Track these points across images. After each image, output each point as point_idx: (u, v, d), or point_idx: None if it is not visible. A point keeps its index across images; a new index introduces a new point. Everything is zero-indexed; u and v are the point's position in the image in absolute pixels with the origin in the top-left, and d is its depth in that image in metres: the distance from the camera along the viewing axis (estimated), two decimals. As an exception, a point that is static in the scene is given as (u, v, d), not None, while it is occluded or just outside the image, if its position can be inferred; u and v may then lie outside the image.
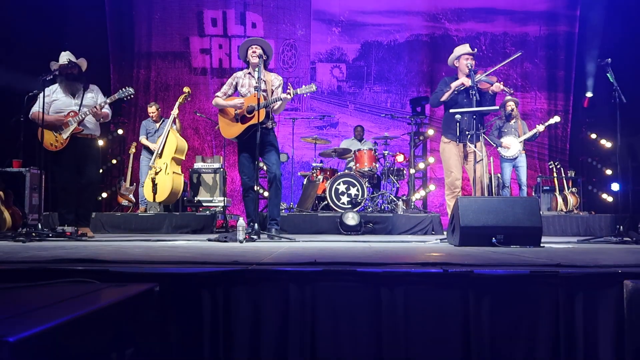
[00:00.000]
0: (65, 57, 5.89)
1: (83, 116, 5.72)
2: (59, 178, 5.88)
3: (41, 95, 5.65)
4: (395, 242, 5.45)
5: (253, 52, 5.72)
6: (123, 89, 5.91)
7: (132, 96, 5.98)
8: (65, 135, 5.73)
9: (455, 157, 5.94)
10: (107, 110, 5.93)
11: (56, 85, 5.89)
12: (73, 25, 9.97)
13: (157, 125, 8.57)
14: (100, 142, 6.08)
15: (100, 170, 6.22)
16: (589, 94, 9.70)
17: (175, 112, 7.76)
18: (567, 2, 11.24)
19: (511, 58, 6.27)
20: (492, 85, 5.74)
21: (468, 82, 5.74)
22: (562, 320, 2.40)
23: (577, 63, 11.02)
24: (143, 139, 8.48)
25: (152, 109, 8.60)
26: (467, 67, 5.81)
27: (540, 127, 8.42)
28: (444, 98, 5.94)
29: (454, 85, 5.86)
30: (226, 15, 11.33)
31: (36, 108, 5.77)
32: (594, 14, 10.32)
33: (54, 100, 5.82)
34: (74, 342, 1.50)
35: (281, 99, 5.66)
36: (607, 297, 2.40)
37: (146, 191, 7.67)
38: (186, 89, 7.82)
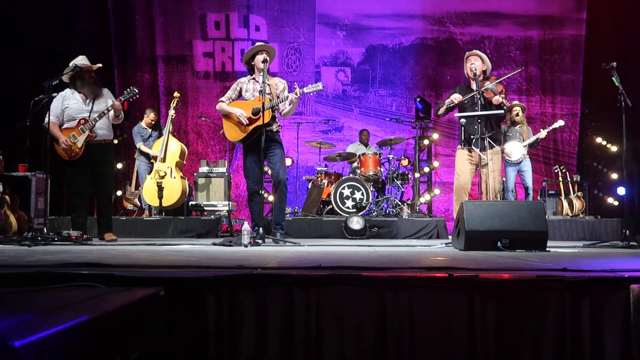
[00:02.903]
0: (81, 61, 5.92)
1: (93, 123, 5.77)
2: (73, 183, 5.95)
3: (54, 102, 5.72)
4: (400, 246, 5.43)
5: (264, 59, 5.70)
6: (128, 90, 5.95)
7: (137, 96, 6.02)
8: (80, 143, 5.80)
9: (464, 161, 5.88)
10: (112, 112, 5.92)
11: (67, 91, 5.93)
12: (77, 30, 10.01)
13: (150, 130, 8.57)
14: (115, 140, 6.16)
15: (116, 168, 6.31)
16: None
17: (172, 112, 7.84)
18: (573, 5, 11.24)
19: (514, 72, 6.22)
20: (494, 96, 5.71)
21: (458, 99, 5.74)
22: (568, 325, 2.39)
23: (585, 66, 11.01)
24: (142, 146, 8.45)
25: (152, 116, 8.59)
26: (471, 70, 5.77)
27: (542, 133, 8.39)
28: (440, 112, 5.96)
29: (454, 97, 5.82)
30: (229, 18, 11.35)
31: (52, 118, 5.76)
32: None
33: (66, 107, 5.87)
34: (79, 346, 1.49)
35: (288, 100, 5.67)
36: (614, 301, 2.39)
37: (149, 196, 7.68)
38: (176, 94, 7.91)
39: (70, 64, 5.86)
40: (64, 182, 7.91)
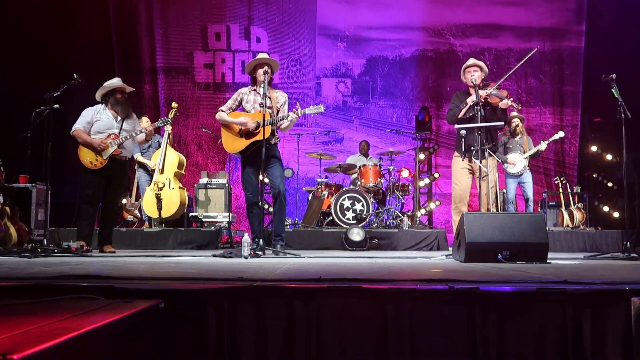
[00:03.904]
0: (117, 82, 6.19)
1: (123, 140, 6.03)
2: (89, 191, 6.07)
3: (85, 112, 6.07)
4: (400, 258, 5.43)
5: (265, 72, 5.70)
6: (162, 119, 6.46)
7: (170, 124, 6.74)
8: (105, 156, 5.99)
9: (461, 171, 5.89)
10: (143, 136, 6.26)
11: (99, 106, 6.15)
12: (80, 42, 10.05)
13: (150, 139, 8.53)
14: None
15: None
16: None
17: (168, 128, 7.80)
18: (572, 17, 11.28)
19: (528, 56, 6.23)
20: (501, 101, 5.71)
21: (484, 95, 5.69)
22: (569, 337, 2.38)
23: (584, 78, 11.04)
24: (139, 157, 8.44)
25: (145, 120, 8.55)
26: (471, 81, 5.77)
27: (542, 146, 8.39)
28: (461, 115, 5.80)
29: (469, 100, 5.76)
30: (230, 29, 11.40)
31: (78, 126, 6.03)
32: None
33: (97, 120, 6.06)
34: (79, 359, 1.49)
35: (289, 119, 5.67)
36: (615, 314, 2.38)
37: (148, 208, 7.66)
38: (174, 105, 7.87)
39: (106, 84, 6.12)
40: (67, 192, 7.95)
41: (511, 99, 5.75)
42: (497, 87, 5.81)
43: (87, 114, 6.07)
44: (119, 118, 6.10)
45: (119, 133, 6.05)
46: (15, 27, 8.72)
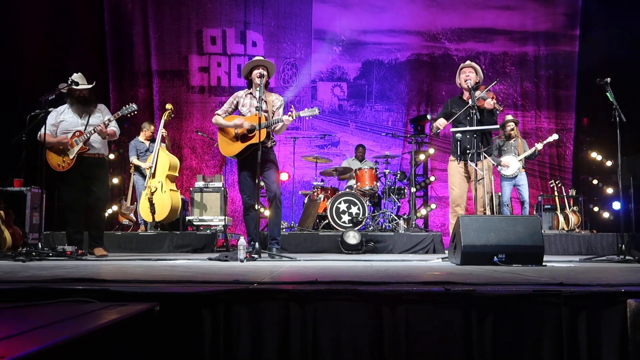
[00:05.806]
0: (77, 79, 5.88)
1: (88, 135, 5.74)
2: (67, 197, 5.89)
3: (49, 116, 5.72)
4: (396, 261, 5.42)
5: (260, 74, 5.71)
6: (126, 106, 5.88)
7: (135, 112, 5.96)
8: (72, 155, 5.76)
9: (457, 174, 5.94)
10: (114, 128, 5.91)
11: (65, 106, 5.93)
12: (75, 45, 10.03)
13: (147, 144, 8.53)
14: (112, 156, 6.10)
15: (112, 183, 6.28)
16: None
17: (162, 131, 7.75)
18: (566, 22, 11.35)
19: (492, 84, 6.32)
20: (485, 101, 5.76)
21: (443, 125, 5.92)
22: (565, 339, 2.38)
23: (578, 82, 11.09)
24: (134, 160, 8.42)
25: (152, 129, 8.55)
26: (467, 84, 5.82)
27: (539, 146, 8.42)
28: (433, 132, 6.12)
29: (435, 126, 6.01)
30: (226, 33, 11.40)
31: (42, 130, 5.77)
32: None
33: (61, 120, 5.85)
34: (74, 362, 1.48)
35: (283, 121, 5.67)
36: (611, 316, 2.39)
37: (143, 212, 7.64)
38: (168, 106, 7.79)
39: (60, 86, 5.82)
40: (55, 196, 7.91)
41: (494, 99, 5.79)
42: (486, 90, 5.87)
43: (51, 117, 5.82)
44: (84, 114, 5.85)
45: (85, 129, 5.77)
46: (9, 29, 8.69)
